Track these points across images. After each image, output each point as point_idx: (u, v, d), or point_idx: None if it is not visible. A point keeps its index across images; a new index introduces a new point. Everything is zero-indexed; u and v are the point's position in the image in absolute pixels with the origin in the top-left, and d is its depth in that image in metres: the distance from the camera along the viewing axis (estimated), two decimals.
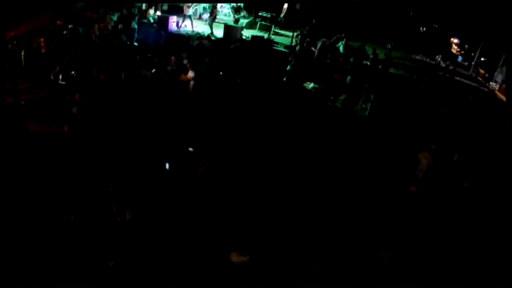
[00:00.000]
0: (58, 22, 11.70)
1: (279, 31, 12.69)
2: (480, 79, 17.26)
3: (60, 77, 7.89)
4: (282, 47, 11.07)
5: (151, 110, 5.63)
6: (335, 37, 11.41)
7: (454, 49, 21.44)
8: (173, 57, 7.26)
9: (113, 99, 6.22)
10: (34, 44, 10.09)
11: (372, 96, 9.04)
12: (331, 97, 8.03)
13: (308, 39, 11.16)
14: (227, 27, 10.66)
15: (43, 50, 9.93)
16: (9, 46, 9.64)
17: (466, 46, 20.40)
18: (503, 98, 15.28)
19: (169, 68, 7.08)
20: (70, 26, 10.92)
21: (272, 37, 11.81)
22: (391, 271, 4.33)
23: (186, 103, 5.95)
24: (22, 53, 9.45)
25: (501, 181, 6.27)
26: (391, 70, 12.37)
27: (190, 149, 4.77)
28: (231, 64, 7.94)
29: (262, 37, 10.76)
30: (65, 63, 8.21)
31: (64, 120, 6.01)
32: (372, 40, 13.85)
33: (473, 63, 18.05)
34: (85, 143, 5.43)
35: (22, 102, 6.88)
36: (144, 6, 13.50)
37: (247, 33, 11.51)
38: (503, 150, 7.35)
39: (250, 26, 12.40)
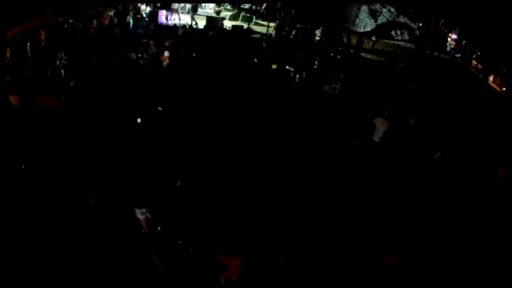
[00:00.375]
0: (59, 19, 12.97)
1: (262, 22, 13.78)
2: (473, 70, 17.94)
3: (58, 62, 9.16)
4: (260, 35, 12.15)
5: (131, 82, 6.83)
6: (309, 27, 12.51)
7: (450, 43, 21.77)
8: (151, 42, 8.47)
9: (103, 75, 7.48)
10: (37, 39, 11.34)
11: (341, 75, 10.08)
12: (297, 75, 9.08)
13: (287, 28, 12.24)
14: (209, 18, 11.82)
15: (43, 43, 11.16)
16: (16, 38, 10.90)
17: (464, 42, 20.77)
18: (497, 88, 15.92)
19: (150, 52, 8.28)
20: (70, 21, 12.17)
21: (253, 27, 12.92)
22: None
23: (160, 77, 7.13)
24: (28, 45, 10.70)
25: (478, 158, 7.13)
26: (372, 56, 13.40)
27: (159, 108, 5.92)
28: (208, 48, 9.08)
29: (242, 26, 11.87)
30: (66, 51, 9.45)
31: (62, 91, 7.32)
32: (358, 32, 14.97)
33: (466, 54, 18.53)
34: (78, 108, 6.66)
35: None
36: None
37: (230, 24, 12.64)
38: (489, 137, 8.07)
39: (234, 17, 13.54)
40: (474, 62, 18.87)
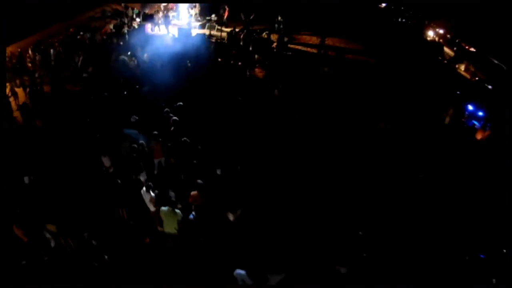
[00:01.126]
0: (70, 29, 17.36)
1: (224, 29, 18.04)
2: (440, 58, 18.46)
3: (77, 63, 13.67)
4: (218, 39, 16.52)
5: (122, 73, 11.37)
6: (259, 30, 16.83)
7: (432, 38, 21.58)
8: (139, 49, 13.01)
9: (106, 70, 12.01)
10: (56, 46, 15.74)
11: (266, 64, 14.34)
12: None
13: (240, 32, 16.51)
14: (180, 29, 16.19)
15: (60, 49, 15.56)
16: (41, 46, 15.29)
17: (449, 36, 20.72)
18: (467, 75, 16.55)
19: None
20: (81, 33, 16.60)
21: (214, 33, 17.31)
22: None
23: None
24: (51, 51, 15.12)
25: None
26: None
27: (137, 86, 10.41)
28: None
29: (204, 34, 16.25)
30: (80, 54, 13.94)
31: (79, 80, 11.86)
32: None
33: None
34: (90, 92, 11.16)
35: None
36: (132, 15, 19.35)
37: (199, 31, 17.04)
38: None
39: (202, 27, 17.92)
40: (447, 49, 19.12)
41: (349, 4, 21.92)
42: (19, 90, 12.72)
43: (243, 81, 12.52)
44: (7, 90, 12.45)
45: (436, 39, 20.91)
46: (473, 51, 17.91)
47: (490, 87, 14.44)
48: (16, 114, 11.03)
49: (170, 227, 6.14)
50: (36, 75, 12.72)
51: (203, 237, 6.30)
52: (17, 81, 13.20)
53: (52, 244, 6.66)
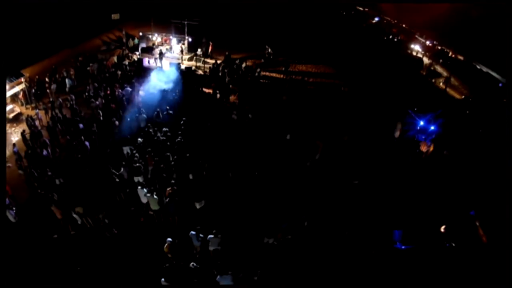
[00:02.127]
0: (79, 58, 20.98)
1: (209, 61, 21.97)
2: (422, 72, 20.04)
3: (89, 88, 17.36)
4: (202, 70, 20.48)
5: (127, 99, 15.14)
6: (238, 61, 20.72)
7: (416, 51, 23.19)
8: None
9: (113, 98, 15.79)
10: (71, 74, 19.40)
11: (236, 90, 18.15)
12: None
13: (218, 65, 20.34)
14: (171, 63, 20.04)
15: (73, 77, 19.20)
16: (57, 75, 18.84)
17: (439, 47, 22.15)
18: (441, 87, 17.75)
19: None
20: (90, 64, 20.31)
21: (199, 65, 21.25)
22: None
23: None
24: (66, 81, 18.77)
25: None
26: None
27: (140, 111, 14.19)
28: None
29: (191, 66, 20.17)
30: (90, 81, 17.69)
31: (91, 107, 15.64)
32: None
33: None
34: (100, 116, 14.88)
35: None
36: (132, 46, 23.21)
37: (187, 64, 20.97)
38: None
39: (191, 59, 21.84)
40: (426, 59, 20.71)
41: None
42: (41, 113, 16.18)
43: (217, 107, 16.33)
44: (33, 113, 16.08)
45: (420, 53, 22.02)
46: (460, 60, 18.81)
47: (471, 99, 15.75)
48: (44, 133, 14.50)
49: (153, 205, 9.97)
50: (57, 103, 16.23)
51: (177, 215, 9.96)
52: (39, 105, 16.83)
53: (79, 222, 10.19)
